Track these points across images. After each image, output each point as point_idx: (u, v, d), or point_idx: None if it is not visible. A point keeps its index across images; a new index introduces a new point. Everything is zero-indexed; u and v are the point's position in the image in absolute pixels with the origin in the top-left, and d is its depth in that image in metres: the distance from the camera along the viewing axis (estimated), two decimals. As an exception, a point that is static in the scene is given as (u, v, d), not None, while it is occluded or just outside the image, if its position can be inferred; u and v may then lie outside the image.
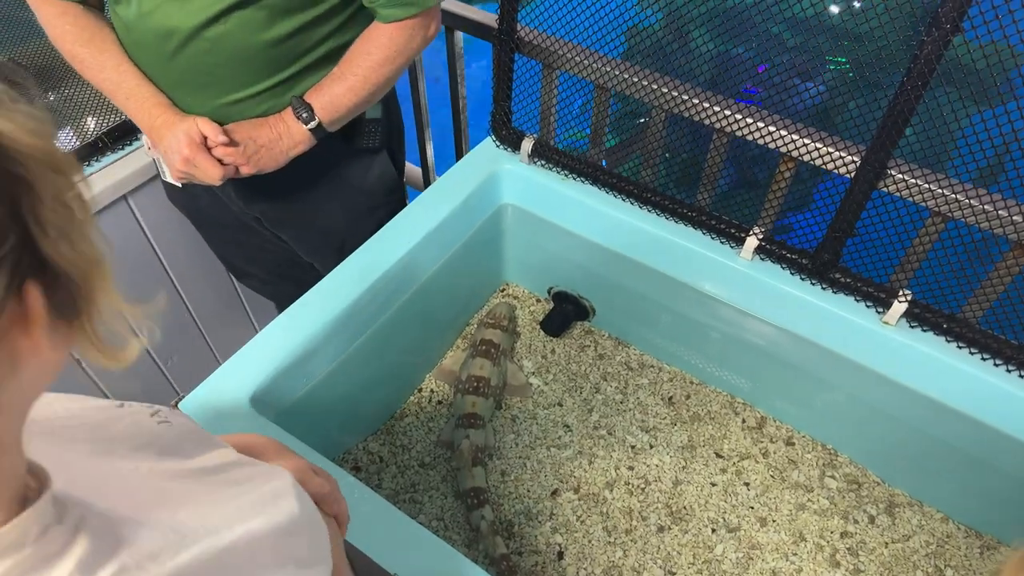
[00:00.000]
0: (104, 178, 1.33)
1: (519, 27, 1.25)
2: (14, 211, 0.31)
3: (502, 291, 1.56)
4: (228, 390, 1.03)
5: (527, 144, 1.34)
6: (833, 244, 1.09)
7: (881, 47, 0.93)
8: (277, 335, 1.10)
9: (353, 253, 1.21)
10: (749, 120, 1.10)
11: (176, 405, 1.02)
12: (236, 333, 1.78)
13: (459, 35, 1.39)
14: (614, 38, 1.17)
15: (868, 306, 1.13)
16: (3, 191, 0.30)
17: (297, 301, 1.14)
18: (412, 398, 1.40)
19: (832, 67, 1.79)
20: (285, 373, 1.08)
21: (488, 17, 1.32)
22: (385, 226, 1.26)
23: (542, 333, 1.48)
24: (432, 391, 1.41)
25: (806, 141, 1.06)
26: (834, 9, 1.66)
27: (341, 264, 1.20)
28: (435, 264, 1.32)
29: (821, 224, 1.13)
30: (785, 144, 1.08)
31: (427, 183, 1.85)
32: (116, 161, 1.36)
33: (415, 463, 1.31)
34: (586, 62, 1.21)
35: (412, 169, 1.91)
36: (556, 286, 1.49)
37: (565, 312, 1.47)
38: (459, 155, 1.64)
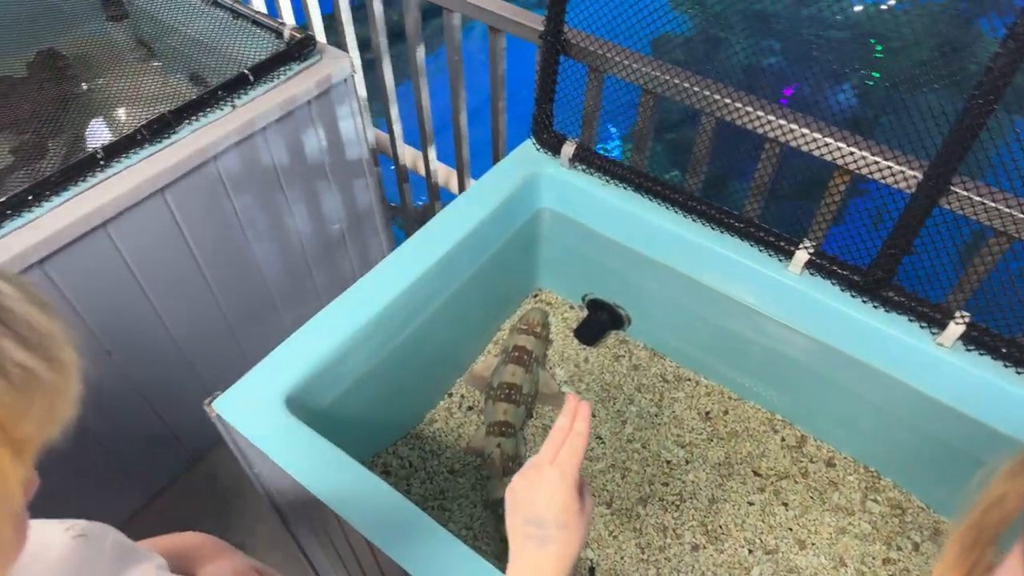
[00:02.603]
0: (141, 172, 1.32)
1: (566, 28, 1.22)
2: None
3: (535, 297, 1.53)
4: (262, 390, 1.01)
5: (568, 148, 1.31)
6: (887, 261, 1.05)
7: (919, 61, 0.90)
8: (312, 336, 1.08)
9: (389, 255, 1.19)
10: (805, 131, 1.06)
11: (210, 404, 1.00)
12: (266, 331, 1.77)
13: (502, 36, 1.37)
14: (655, 40, 1.14)
15: (922, 327, 1.08)
16: None
17: (332, 303, 1.12)
18: (442, 403, 1.38)
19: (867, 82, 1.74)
20: (319, 376, 1.06)
21: (532, 19, 1.30)
22: (422, 228, 1.24)
23: (575, 341, 1.45)
24: (463, 396, 1.39)
25: (864, 154, 1.02)
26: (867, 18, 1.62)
27: (377, 266, 1.18)
28: (470, 269, 1.29)
29: (864, 238, 1.10)
30: (843, 156, 1.04)
31: (462, 186, 1.83)
32: (154, 154, 1.35)
33: (444, 470, 1.28)
34: (634, 65, 1.18)
35: (447, 171, 1.89)
36: (591, 293, 1.46)
37: (600, 320, 1.44)
38: (495, 158, 1.62)
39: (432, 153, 1.83)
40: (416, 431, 1.33)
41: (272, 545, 1.67)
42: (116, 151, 1.32)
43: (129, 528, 0.65)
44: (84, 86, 1.67)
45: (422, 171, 1.93)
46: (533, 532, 0.63)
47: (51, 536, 0.52)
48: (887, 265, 1.06)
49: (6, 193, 1.22)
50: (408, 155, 1.97)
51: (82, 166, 1.28)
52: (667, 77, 1.15)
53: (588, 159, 1.31)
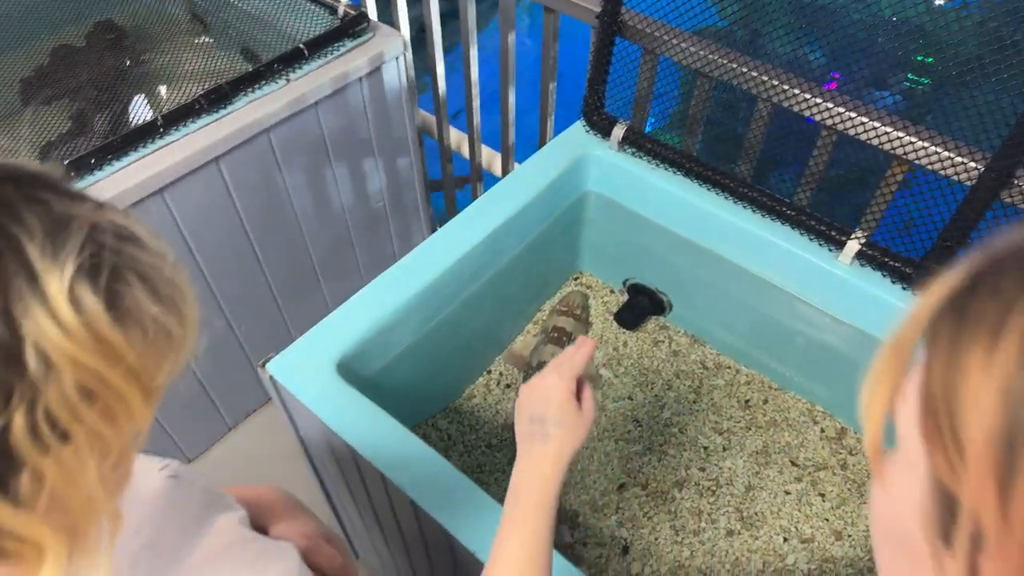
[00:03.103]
0: (197, 141, 1.35)
1: (627, 12, 1.22)
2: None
3: (576, 280, 1.54)
4: (314, 354, 1.04)
5: (619, 131, 1.32)
6: (942, 254, 1.04)
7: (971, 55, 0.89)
8: (364, 305, 1.10)
9: (438, 231, 1.21)
10: (864, 119, 1.05)
11: (263, 365, 1.03)
12: (308, 302, 1.80)
13: (557, 16, 1.37)
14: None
15: (975, 321, 1.07)
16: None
17: (381, 274, 1.14)
18: (481, 379, 1.40)
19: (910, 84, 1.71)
20: (369, 343, 1.08)
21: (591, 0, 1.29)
22: (470, 206, 1.25)
23: (614, 324, 1.46)
24: (501, 374, 1.40)
25: (924, 144, 1.01)
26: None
27: (426, 241, 1.19)
28: (515, 249, 1.31)
29: (916, 230, 1.08)
30: (901, 146, 1.03)
31: (505, 169, 1.84)
32: (210, 123, 1.38)
33: (482, 444, 1.30)
34: (691, 48, 1.18)
35: (491, 153, 1.90)
36: (632, 278, 1.46)
37: (641, 305, 1.44)
38: (542, 138, 1.62)
39: (477, 133, 1.84)
40: (455, 405, 1.35)
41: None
42: (175, 119, 1.35)
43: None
44: (139, 58, 1.71)
45: (466, 153, 1.94)
46: (536, 430, 0.69)
47: (146, 472, 0.54)
48: (942, 258, 1.04)
49: (69, 156, 1.25)
50: (453, 136, 1.98)
51: (143, 132, 1.32)
52: (724, 60, 1.15)
53: (638, 142, 1.31)
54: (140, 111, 1.45)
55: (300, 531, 0.68)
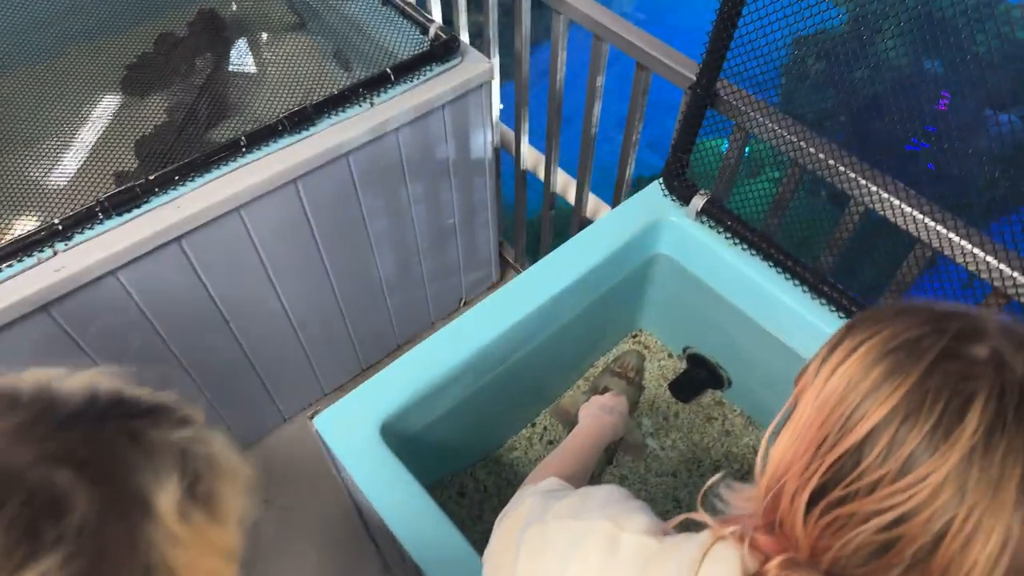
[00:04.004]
0: (277, 161, 1.37)
1: (720, 82, 1.15)
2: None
3: (634, 337, 1.51)
4: (360, 413, 1.05)
5: (698, 201, 1.26)
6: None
7: None
8: (414, 366, 1.10)
9: (498, 291, 1.20)
10: (965, 244, 0.97)
11: (312, 418, 1.05)
12: (370, 313, 1.83)
13: (649, 74, 1.31)
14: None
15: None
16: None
17: (436, 334, 1.14)
18: (524, 431, 1.39)
19: None
20: (416, 405, 1.09)
21: (684, 63, 1.23)
22: (536, 265, 1.23)
23: (667, 392, 1.42)
24: (546, 428, 1.39)
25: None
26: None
27: (483, 301, 1.18)
28: (576, 310, 1.28)
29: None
30: (1003, 281, 0.95)
31: (579, 197, 1.79)
32: (292, 145, 1.40)
33: (518, 501, 1.30)
34: (785, 134, 1.11)
35: (566, 179, 1.86)
36: (692, 347, 1.41)
37: (698, 377, 1.40)
38: (618, 190, 1.58)
39: (555, 161, 1.80)
40: (495, 455, 1.36)
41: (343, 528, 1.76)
42: (257, 139, 1.37)
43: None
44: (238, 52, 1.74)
45: (541, 175, 1.91)
46: (603, 413, 1.05)
47: None
48: None
49: (156, 172, 1.30)
50: (531, 157, 1.95)
51: (225, 151, 1.35)
52: (818, 153, 1.08)
53: (717, 216, 1.25)
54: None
55: None
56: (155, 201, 1.30)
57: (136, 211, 1.29)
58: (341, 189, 1.51)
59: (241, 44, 1.82)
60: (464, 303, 2.13)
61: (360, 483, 0.97)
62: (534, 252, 2.22)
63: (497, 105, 1.79)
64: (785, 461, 0.49)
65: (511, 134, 1.92)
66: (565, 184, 1.89)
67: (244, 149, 1.36)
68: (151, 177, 1.29)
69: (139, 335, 1.41)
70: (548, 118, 1.68)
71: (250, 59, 1.79)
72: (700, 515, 0.54)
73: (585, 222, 1.81)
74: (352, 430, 1.03)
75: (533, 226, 2.23)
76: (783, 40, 1.03)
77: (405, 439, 1.12)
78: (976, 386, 0.41)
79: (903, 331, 0.45)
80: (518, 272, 2.23)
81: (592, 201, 1.82)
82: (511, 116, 1.83)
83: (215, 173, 1.35)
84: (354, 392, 1.07)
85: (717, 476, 0.57)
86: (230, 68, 1.73)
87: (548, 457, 0.90)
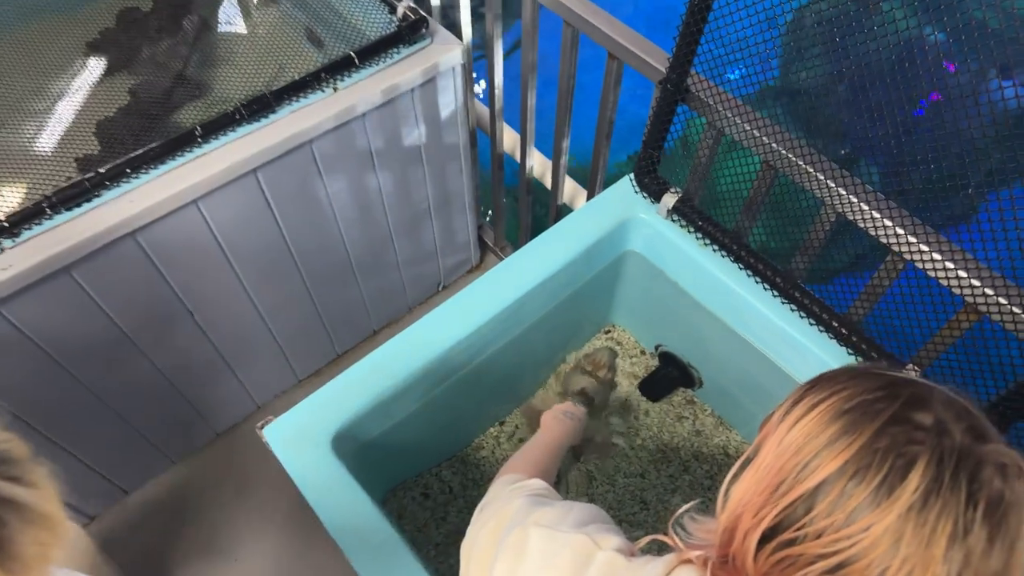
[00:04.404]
0: (235, 151, 1.32)
1: (692, 76, 1.10)
2: None
3: (607, 332, 1.47)
4: (311, 424, 1.02)
5: (669, 199, 1.22)
6: (999, 421, 0.93)
7: None
8: (370, 373, 1.07)
9: (460, 293, 1.16)
10: (937, 256, 0.93)
11: (261, 429, 1.03)
12: (343, 298, 1.80)
13: (621, 65, 1.25)
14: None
15: None
16: None
17: (393, 339, 1.10)
18: (492, 430, 1.37)
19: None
20: (371, 413, 1.06)
21: (656, 55, 1.17)
22: (500, 265, 1.19)
23: (638, 391, 1.39)
24: (516, 427, 1.37)
25: (1003, 301, 0.88)
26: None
27: (443, 304, 1.15)
28: (544, 309, 1.25)
29: (980, 373, 0.96)
30: (973, 295, 0.91)
31: (555, 181, 1.74)
32: (250, 133, 1.34)
33: (482, 502, 1.29)
34: (757, 134, 1.06)
35: (543, 162, 1.80)
36: (664, 346, 1.38)
37: (669, 377, 1.37)
38: (592, 181, 1.53)
39: (531, 144, 1.74)
40: (462, 455, 1.34)
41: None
42: (214, 129, 1.32)
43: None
44: (203, 31, 1.66)
45: (518, 157, 1.85)
46: (566, 417, 1.09)
47: None
48: (998, 424, 0.93)
49: (106, 165, 1.25)
50: (509, 139, 1.89)
51: (180, 142, 1.29)
52: (791, 156, 1.03)
53: (689, 215, 1.21)
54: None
55: None
56: (107, 195, 1.25)
57: (87, 205, 1.24)
58: (305, 178, 1.46)
59: (209, 20, 1.74)
60: (443, 288, 2.09)
61: (309, 498, 0.95)
62: (517, 234, 2.17)
63: (471, 87, 1.72)
64: (744, 501, 0.52)
65: (487, 111, 1.85)
66: (543, 168, 1.84)
67: (200, 139, 1.31)
68: (102, 171, 1.24)
69: (100, 331, 1.37)
70: (521, 102, 1.62)
71: (218, 36, 1.71)
72: (668, 538, 0.58)
73: (562, 210, 1.76)
74: (302, 442, 1.00)
75: (515, 207, 2.18)
76: (760, 27, 0.97)
77: (363, 444, 1.10)
78: (919, 450, 0.46)
79: (859, 394, 0.49)
80: (499, 256, 2.19)
81: (570, 187, 1.76)
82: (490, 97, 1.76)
83: (169, 165, 1.29)
84: (305, 401, 1.04)
85: (688, 505, 0.60)
86: (197, 44, 1.66)
87: (521, 453, 0.93)
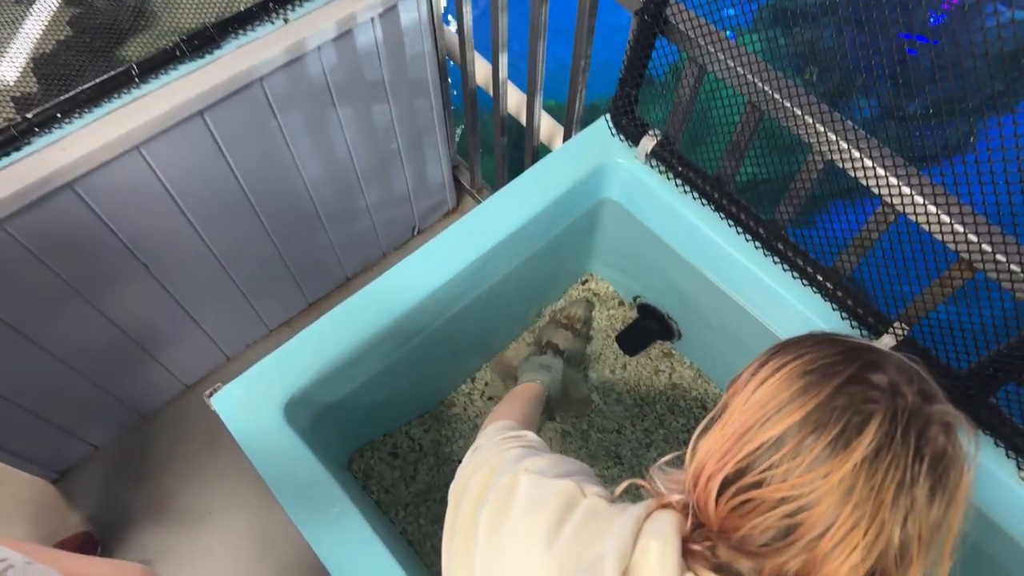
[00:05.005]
0: (179, 92, 1.21)
1: (673, 5, 0.99)
2: None
3: (584, 282, 1.41)
4: (263, 391, 0.96)
5: (648, 142, 1.13)
6: (986, 381, 0.88)
7: None
8: (323, 336, 1.01)
9: (426, 245, 1.08)
10: (932, 209, 0.85)
11: (209, 397, 0.97)
12: (312, 247, 1.72)
13: (595, -9, 1.13)
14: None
15: (1008, 456, 0.93)
16: None
17: (352, 298, 1.03)
18: (464, 387, 1.32)
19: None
20: (327, 378, 1.00)
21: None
22: (469, 214, 1.11)
23: (615, 344, 1.34)
24: (487, 384, 1.32)
25: (999, 257, 0.82)
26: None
27: (408, 257, 1.07)
28: (517, 260, 1.18)
29: (971, 333, 0.91)
30: (968, 248, 0.84)
31: (530, 115, 1.63)
32: (193, 72, 1.23)
33: (455, 460, 1.25)
34: (741, 71, 0.96)
35: (519, 97, 1.69)
36: (643, 297, 1.32)
37: (647, 329, 1.31)
38: (569, 121, 1.43)
39: (504, 77, 1.63)
40: (433, 412, 1.29)
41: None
42: (152, 67, 1.20)
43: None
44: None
45: (491, 90, 1.73)
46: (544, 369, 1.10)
47: None
48: (984, 385, 0.89)
49: (33, 109, 1.14)
50: (482, 71, 1.77)
51: (115, 83, 1.18)
52: (778, 97, 0.94)
53: (668, 160, 1.12)
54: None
55: None
56: (37, 143, 1.15)
57: (16, 155, 1.14)
58: (258, 120, 1.36)
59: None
60: (418, 232, 2.01)
61: (261, 469, 0.90)
62: (494, 175, 2.07)
63: (438, 14, 1.59)
64: (710, 452, 0.54)
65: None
66: (519, 104, 1.73)
67: (137, 79, 1.20)
68: (29, 116, 1.14)
69: (47, 289, 1.30)
70: (492, 29, 1.49)
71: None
72: (647, 483, 0.61)
73: (540, 150, 1.66)
74: (253, 410, 0.94)
75: (492, 146, 2.07)
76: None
77: (324, 407, 1.05)
78: (875, 408, 0.49)
79: (821, 358, 0.53)
80: (476, 199, 2.10)
81: (547, 125, 1.66)
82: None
83: (105, 108, 1.19)
84: (256, 367, 0.98)
85: (668, 456, 0.62)
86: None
87: (507, 403, 0.95)
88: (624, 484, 0.66)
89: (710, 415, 0.57)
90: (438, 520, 1.19)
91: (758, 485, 0.50)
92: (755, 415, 0.52)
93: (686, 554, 0.53)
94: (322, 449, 0.98)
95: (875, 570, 0.48)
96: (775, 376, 0.53)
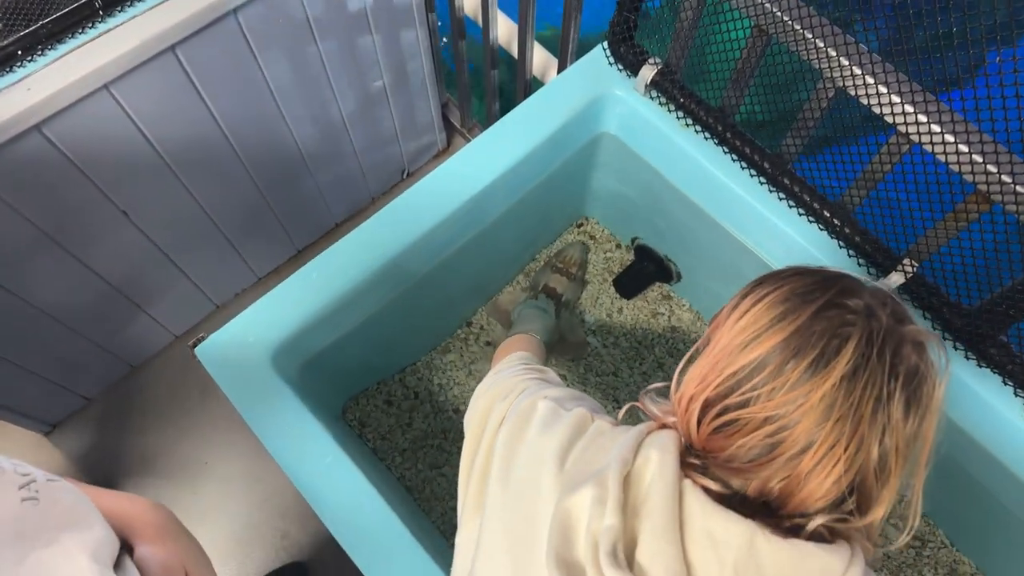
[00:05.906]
0: (147, 26, 1.14)
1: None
2: None
3: (579, 226, 1.36)
4: (249, 340, 0.93)
5: (647, 71, 1.07)
6: (999, 319, 0.85)
7: None
8: (309, 283, 0.97)
9: (416, 185, 1.03)
10: (949, 138, 0.81)
11: (193, 348, 0.93)
12: (299, 192, 1.66)
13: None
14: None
15: (1017, 395, 0.91)
16: None
17: (340, 241, 0.99)
18: (459, 332, 1.29)
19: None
20: (317, 325, 0.97)
21: None
22: (464, 150, 1.06)
23: (612, 287, 1.30)
24: (482, 328, 1.29)
25: (1019, 188, 0.78)
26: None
27: (397, 199, 1.02)
28: (511, 200, 1.13)
29: (984, 266, 0.88)
30: (987, 180, 0.80)
31: (522, 50, 1.55)
32: (162, 4, 1.15)
33: (450, 408, 1.23)
34: (749, -8, 0.90)
35: (509, 28, 1.61)
36: (641, 238, 1.28)
37: (645, 272, 1.27)
38: (563, 51, 1.35)
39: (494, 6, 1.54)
40: (428, 359, 1.27)
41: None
42: (116, 0, 1.12)
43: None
44: None
45: (479, 20, 1.65)
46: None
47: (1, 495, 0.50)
48: (995, 323, 0.86)
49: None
50: (470, 1, 1.67)
51: (78, 15, 1.11)
52: (786, 18, 0.88)
53: (669, 91, 1.06)
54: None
55: (162, 560, 0.65)
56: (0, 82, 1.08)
57: (-23, 96, 1.07)
58: (234, 55, 1.28)
59: None
60: (408, 175, 1.95)
61: (250, 421, 0.87)
62: (486, 113, 2.00)
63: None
64: (694, 380, 0.57)
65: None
66: (509, 35, 1.64)
67: (101, 13, 1.12)
68: (-13, 50, 1.06)
69: (21, 240, 1.24)
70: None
71: None
72: (644, 406, 0.65)
73: (532, 85, 1.59)
74: (240, 359, 0.91)
75: (481, 82, 1.99)
76: None
77: (313, 356, 1.01)
78: (852, 330, 0.52)
79: (799, 287, 0.55)
80: (466, 138, 2.03)
81: (541, 58, 1.58)
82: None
83: (69, 45, 1.11)
84: (241, 316, 0.94)
85: (657, 384, 0.65)
86: None
87: (515, 342, 0.97)
88: (625, 407, 0.70)
89: (694, 347, 0.60)
90: (436, 465, 1.17)
91: (743, 405, 0.53)
92: (736, 340, 0.55)
93: (683, 465, 0.56)
94: (313, 398, 0.95)
95: (856, 480, 0.51)
96: (756, 306, 0.56)
